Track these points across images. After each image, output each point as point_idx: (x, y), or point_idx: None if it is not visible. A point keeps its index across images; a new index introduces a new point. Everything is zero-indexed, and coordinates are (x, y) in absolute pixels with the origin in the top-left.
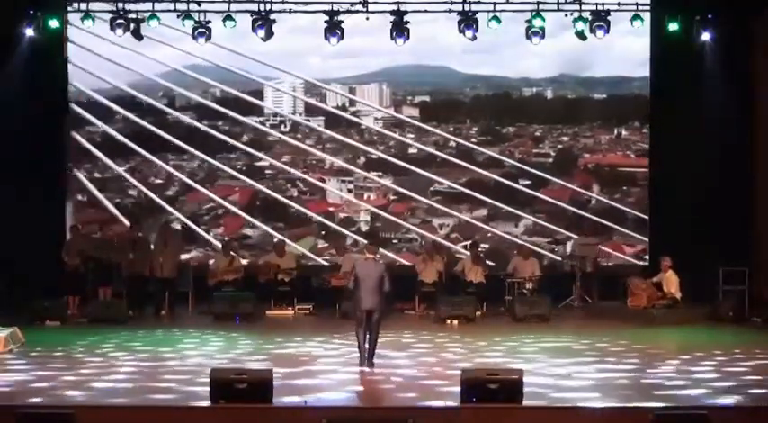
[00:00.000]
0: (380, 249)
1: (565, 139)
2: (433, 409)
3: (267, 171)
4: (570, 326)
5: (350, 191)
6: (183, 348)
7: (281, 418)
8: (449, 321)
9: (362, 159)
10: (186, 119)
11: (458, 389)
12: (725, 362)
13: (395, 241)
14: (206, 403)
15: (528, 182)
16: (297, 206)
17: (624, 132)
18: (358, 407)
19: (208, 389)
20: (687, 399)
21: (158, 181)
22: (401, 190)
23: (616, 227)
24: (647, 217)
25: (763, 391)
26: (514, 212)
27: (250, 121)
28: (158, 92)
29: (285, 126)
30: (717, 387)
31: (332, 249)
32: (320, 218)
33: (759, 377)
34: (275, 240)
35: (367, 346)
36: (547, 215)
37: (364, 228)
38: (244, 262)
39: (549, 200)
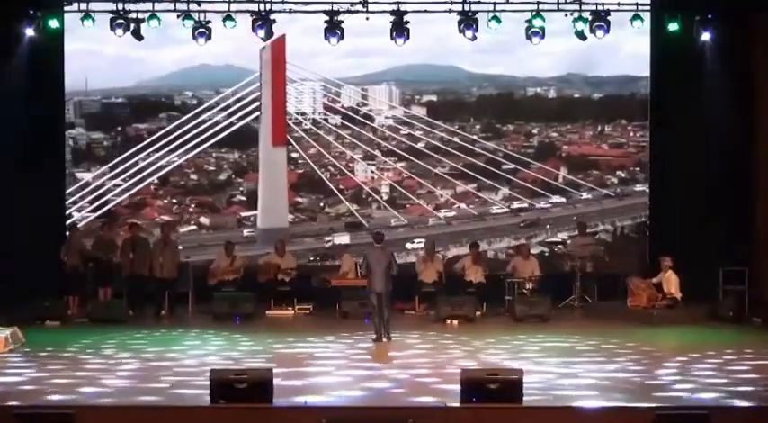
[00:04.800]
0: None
1: (554, 135)
2: (433, 409)
3: (299, 161)
4: (570, 326)
5: (372, 172)
6: (184, 348)
7: (281, 418)
8: (449, 321)
9: (377, 152)
10: (218, 116)
11: (458, 389)
12: (725, 362)
13: (407, 205)
14: (206, 403)
15: (511, 166)
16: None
17: (607, 129)
18: (358, 407)
19: (208, 389)
20: (687, 399)
21: (211, 168)
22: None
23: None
24: (608, 191)
25: (764, 391)
26: (496, 186)
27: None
28: (172, 92)
29: (307, 123)
30: (717, 387)
31: (363, 210)
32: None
33: (759, 377)
34: (277, 240)
35: (381, 325)
36: (521, 188)
37: (385, 197)
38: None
39: (528, 172)
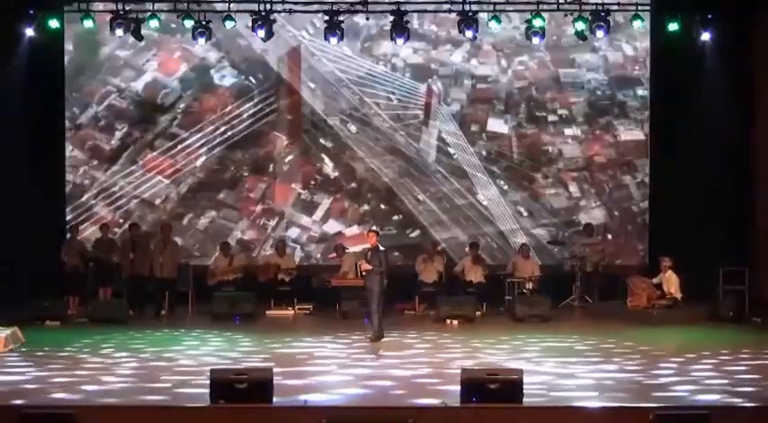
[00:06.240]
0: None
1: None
2: (434, 409)
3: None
4: (570, 326)
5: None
6: (184, 348)
7: (281, 418)
8: (449, 321)
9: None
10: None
11: (458, 389)
12: (725, 362)
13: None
14: (206, 403)
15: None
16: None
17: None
18: (358, 407)
19: (208, 389)
20: (687, 399)
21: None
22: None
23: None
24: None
25: (763, 391)
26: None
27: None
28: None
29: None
30: (717, 387)
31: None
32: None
33: (759, 377)
34: (278, 240)
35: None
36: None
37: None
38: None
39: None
